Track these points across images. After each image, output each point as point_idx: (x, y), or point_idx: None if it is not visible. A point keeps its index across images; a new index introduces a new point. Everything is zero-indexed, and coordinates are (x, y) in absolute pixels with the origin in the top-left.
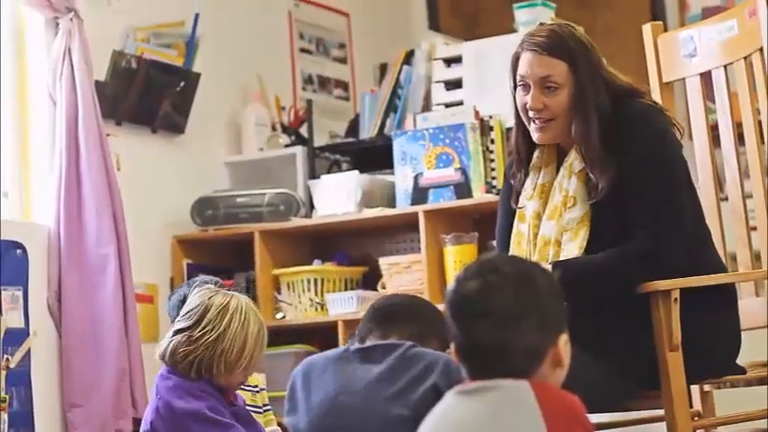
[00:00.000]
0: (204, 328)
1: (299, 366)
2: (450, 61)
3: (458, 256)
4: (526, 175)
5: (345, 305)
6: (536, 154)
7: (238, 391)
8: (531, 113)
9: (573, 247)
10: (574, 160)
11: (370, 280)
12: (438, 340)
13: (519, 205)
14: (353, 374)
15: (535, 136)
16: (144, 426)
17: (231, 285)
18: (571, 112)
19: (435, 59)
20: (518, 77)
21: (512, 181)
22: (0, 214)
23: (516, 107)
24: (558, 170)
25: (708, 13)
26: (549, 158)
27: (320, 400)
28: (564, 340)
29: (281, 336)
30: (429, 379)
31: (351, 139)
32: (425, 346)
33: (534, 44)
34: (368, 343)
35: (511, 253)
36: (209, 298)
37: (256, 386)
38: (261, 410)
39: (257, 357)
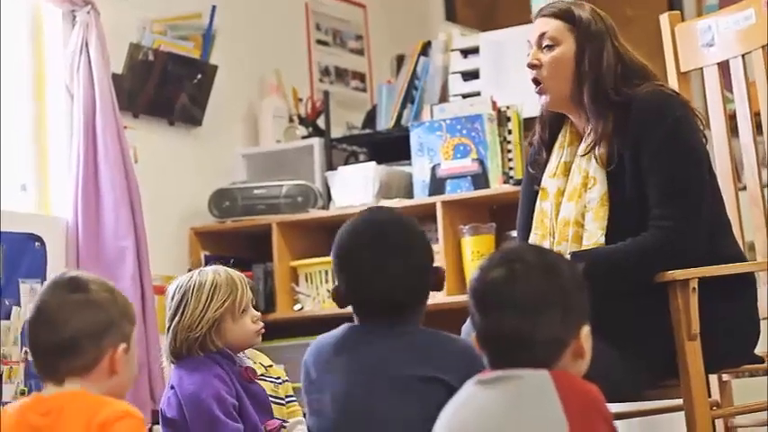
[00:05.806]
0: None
1: None
2: (467, 52)
3: (475, 247)
4: (548, 155)
5: None
6: (561, 133)
7: (260, 383)
8: (531, 74)
9: (596, 228)
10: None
11: None
12: None
13: (542, 184)
14: None
15: (539, 102)
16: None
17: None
18: (570, 72)
19: (452, 50)
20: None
21: (530, 168)
22: (18, 207)
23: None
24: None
25: (725, 2)
26: (572, 138)
27: None
28: (586, 332)
29: (300, 327)
30: None
31: (368, 131)
32: None
33: (540, 12)
34: None
35: (534, 231)
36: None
37: (279, 377)
38: (284, 402)
39: (236, 302)
